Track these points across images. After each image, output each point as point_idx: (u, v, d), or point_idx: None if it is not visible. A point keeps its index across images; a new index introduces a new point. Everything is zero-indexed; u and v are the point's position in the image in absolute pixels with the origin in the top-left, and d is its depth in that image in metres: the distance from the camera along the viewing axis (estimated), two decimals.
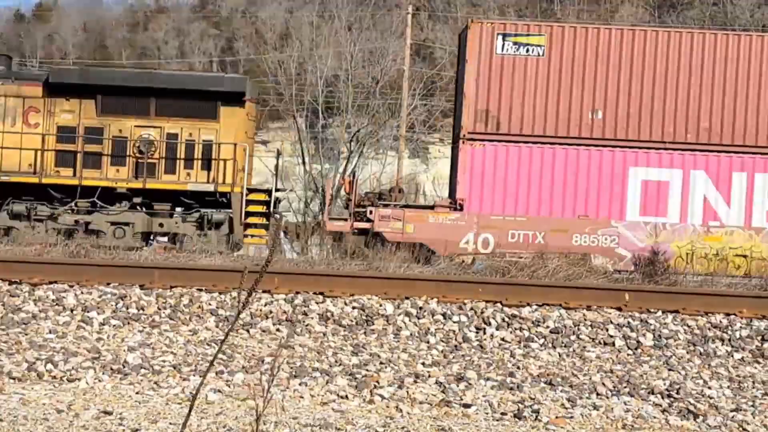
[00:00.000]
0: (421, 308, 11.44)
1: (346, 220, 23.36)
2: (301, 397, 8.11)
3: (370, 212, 22.64)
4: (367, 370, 8.97)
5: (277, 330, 10.71)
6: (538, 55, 22.74)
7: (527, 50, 22.76)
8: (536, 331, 11.08)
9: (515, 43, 22.78)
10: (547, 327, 11.18)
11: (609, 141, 22.66)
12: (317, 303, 11.45)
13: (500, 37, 22.76)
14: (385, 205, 23.03)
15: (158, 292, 11.50)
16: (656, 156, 22.63)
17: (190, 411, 4.38)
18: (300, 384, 8.40)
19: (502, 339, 10.87)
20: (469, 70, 22.91)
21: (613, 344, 10.93)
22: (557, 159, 22.61)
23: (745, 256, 22.03)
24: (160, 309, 11.11)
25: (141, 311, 11.03)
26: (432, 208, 23.71)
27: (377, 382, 8.53)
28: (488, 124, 22.71)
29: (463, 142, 22.77)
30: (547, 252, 20.00)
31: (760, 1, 62.95)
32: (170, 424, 7.20)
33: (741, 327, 11.41)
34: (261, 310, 11.18)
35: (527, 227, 22.24)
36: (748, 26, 55.90)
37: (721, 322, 11.54)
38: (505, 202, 22.56)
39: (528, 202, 22.58)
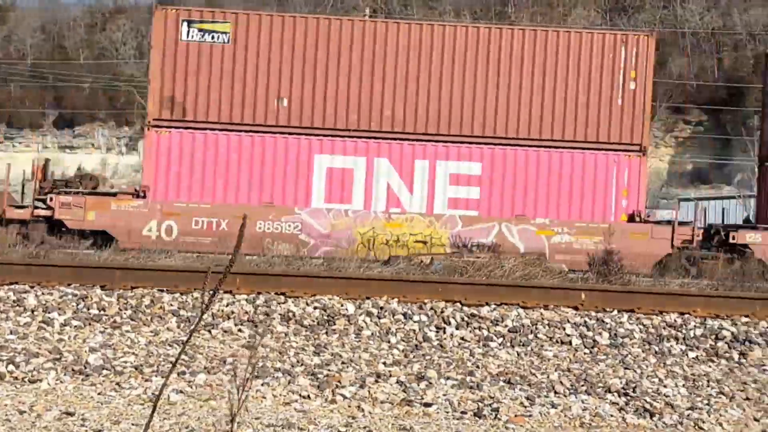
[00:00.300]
0: (381, 308, 11.52)
1: (27, 207, 23.14)
2: (264, 398, 8.15)
3: (51, 199, 22.56)
4: (328, 370, 9.03)
5: (239, 331, 10.76)
6: (224, 42, 23.13)
7: (213, 37, 23.13)
8: (495, 331, 11.19)
9: (200, 30, 23.13)
10: (506, 326, 11.30)
11: (294, 129, 23.13)
12: (279, 303, 11.50)
13: (185, 24, 23.10)
14: (67, 192, 22.86)
15: (119, 293, 11.51)
16: (341, 144, 23.14)
17: (153, 412, 4.42)
18: (262, 384, 8.45)
19: (462, 338, 10.97)
20: (154, 56, 23.28)
21: (570, 343, 11.07)
22: (244, 146, 22.97)
23: (425, 243, 22.53)
24: (121, 310, 11.12)
25: (102, 312, 11.02)
26: (115, 195, 23.77)
27: (339, 381, 8.59)
28: (174, 111, 23.01)
29: (148, 129, 23.05)
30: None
31: (709, 4, 63.88)
32: (132, 425, 7.22)
33: (695, 326, 11.59)
34: (223, 311, 11.21)
35: (211, 214, 22.50)
36: (698, 29, 56.68)
37: (675, 321, 11.71)
38: (192, 189, 22.82)
39: (215, 189, 22.88)
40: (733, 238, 22.83)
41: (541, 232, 22.81)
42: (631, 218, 23.00)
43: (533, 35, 23.46)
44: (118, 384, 8.36)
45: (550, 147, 23.21)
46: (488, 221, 22.92)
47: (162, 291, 11.72)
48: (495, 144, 23.14)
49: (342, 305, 11.53)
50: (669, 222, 23.47)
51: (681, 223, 23.51)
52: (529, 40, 23.33)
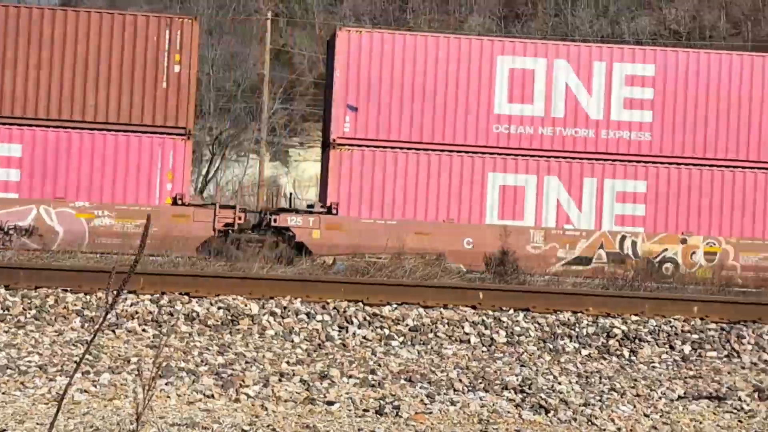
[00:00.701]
0: (285, 308, 11.65)
1: None
2: (168, 397, 8.18)
3: None
4: (232, 370, 9.09)
5: (143, 330, 10.80)
6: None
7: None
8: (396, 330, 11.41)
9: None
10: (407, 325, 11.52)
11: None
12: (183, 303, 11.56)
13: None
14: None
15: (23, 293, 11.46)
16: None
17: (57, 411, 4.48)
18: (167, 384, 8.48)
19: (364, 337, 11.16)
20: None
21: (469, 341, 11.34)
22: None
23: None
24: (25, 309, 11.07)
25: (6, 312, 10.97)
26: None
27: (243, 381, 8.65)
28: None
29: None
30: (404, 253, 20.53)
31: (599, 13, 65.43)
32: (37, 424, 7.22)
33: (588, 324, 11.95)
34: (127, 311, 11.23)
35: None
36: (588, 36, 57.90)
37: (569, 319, 12.05)
38: None
39: None
40: (275, 221, 23.28)
41: (81, 215, 22.59)
42: (175, 201, 23.07)
43: (75, 17, 23.08)
44: (22, 383, 8.34)
45: (93, 129, 22.91)
46: (25, 204, 22.51)
47: (66, 291, 11.69)
48: (36, 126, 22.75)
49: (246, 305, 11.64)
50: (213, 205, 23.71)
51: (223, 207, 23.68)
52: (71, 22, 22.92)
